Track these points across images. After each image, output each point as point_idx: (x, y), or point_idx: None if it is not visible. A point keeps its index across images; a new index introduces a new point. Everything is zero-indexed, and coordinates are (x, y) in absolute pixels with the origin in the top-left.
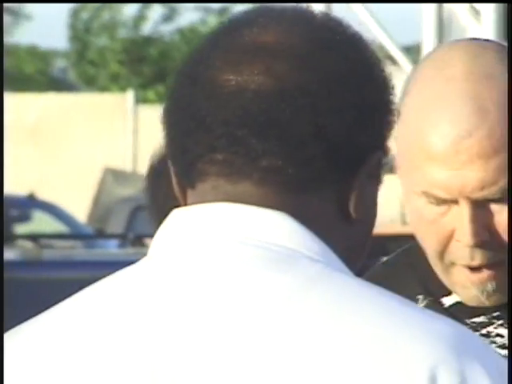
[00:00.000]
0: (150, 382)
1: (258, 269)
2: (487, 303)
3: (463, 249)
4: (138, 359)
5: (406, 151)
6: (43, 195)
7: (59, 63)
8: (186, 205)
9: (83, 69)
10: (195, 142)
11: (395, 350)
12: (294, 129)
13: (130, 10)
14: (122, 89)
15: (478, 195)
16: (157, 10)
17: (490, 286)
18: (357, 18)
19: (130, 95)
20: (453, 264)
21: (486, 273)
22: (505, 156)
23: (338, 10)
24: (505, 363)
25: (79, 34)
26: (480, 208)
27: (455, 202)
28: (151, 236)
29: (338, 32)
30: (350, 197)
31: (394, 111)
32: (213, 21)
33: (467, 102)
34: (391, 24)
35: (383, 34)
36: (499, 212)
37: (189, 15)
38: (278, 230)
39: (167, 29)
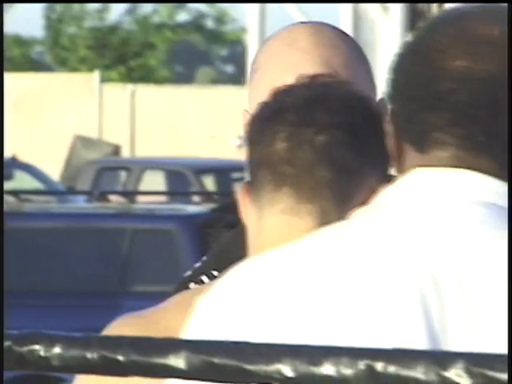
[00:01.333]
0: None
1: (496, 229)
2: None
3: None
4: (401, 277)
5: None
6: (24, 158)
7: (37, 48)
8: (400, 164)
9: (57, 53)
10: (437, 116)
11: None
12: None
13: (96, 4)
14: (90, 69)
15: None
16: (119, 4)
17: None
18: (289, 16)
19: (96, 75)
20: None
21: None
22: None
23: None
24: None
25: (53, 24)
26: None
27: None
28: (113, 193)
29: None
30: None
31: None
32: (163, 10)
33: (319, 66)
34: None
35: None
36: None
37: (146, 7)
38: (506, 199)
39: (126, 19)
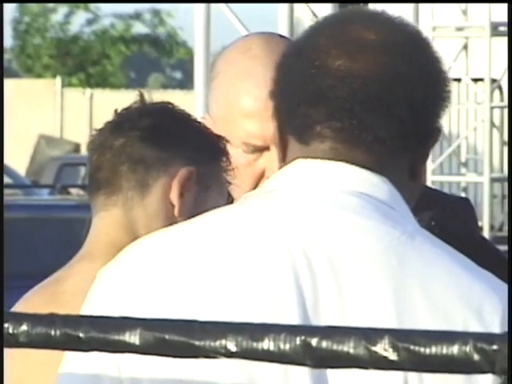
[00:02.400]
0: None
1: (368, 218)
2: None
3: None
4: (274, 258)
5: (223, 114)
6: None
7: (6, 56)
8: (283, 155)
9: (23, 61)
10: (317, 110)
11: (473, 295)
12: (395, 110)
13: (58, 17)
14: (52, 76)
15: None
16: (81, 16)
17: None
18: (222, 16)
19: (58, 81)
20: None
21: None
22: None
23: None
24: None
25: (20, 35)
26: None
27: (267, 148)
28: (74, 186)
29: (423, 37)
30: (419, 163)
31: (448, 100)
32: (120, 25)
33: (271, 71)
34: (252, 21)
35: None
36: None
37: (106, 20)
38: (383, 191)
39: (86, 31)
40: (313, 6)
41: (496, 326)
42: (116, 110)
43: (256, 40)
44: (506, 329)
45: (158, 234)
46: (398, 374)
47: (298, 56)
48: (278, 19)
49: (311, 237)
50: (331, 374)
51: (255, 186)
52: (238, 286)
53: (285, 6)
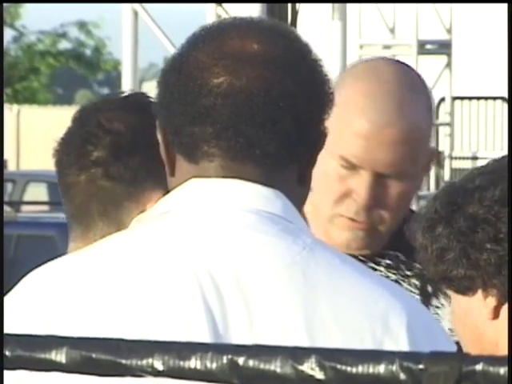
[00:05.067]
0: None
1: (268, 235)
2: (353, 245)
3: (354, 206)
4: (179, 280)
5: (336, 126)
6: None
7: None
8: (172, 174)
9: None
10: (203, 130)
11: (377, 304)
12: (280, 125)
13: None
14: None
15: (382, 170)
16: (7, 33)
17: (361, 234)
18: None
19: None
20: (340, 215)
21: (361, 224)
22: (410, 147)
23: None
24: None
25: None
26: (378, 179)
27: (362, 168)
28: None
29: (304, 44)
30: (307, 169)
31: (332, 102)
32: (47, 40)
33: (395, 102)
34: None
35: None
36: (390, 187)
37: (32, 36)
38: (277, 205)
39: (13, 47)
40: (238, 8)
41: (403, 336)
42: (76, 119)
43: (391, 66)
44: (413, 339)
45: (55, 263)
46: None
47: (179, 73)
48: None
49: (215, 258)
50: None
51: (338, 201)
52: (148, 310)
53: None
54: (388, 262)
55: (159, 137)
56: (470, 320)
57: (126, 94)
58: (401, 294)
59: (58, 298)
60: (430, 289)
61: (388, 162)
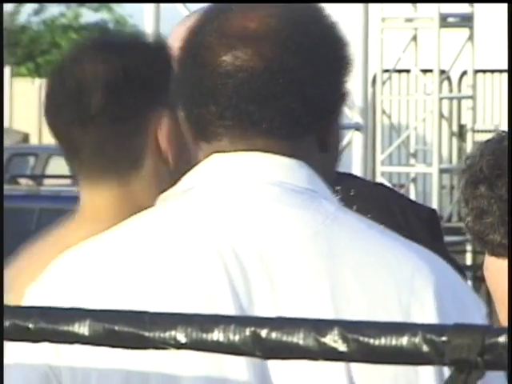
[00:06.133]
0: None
1: (291, 206)
2: None
3: None
4: (205, 254)
5: None
6: None
7: None
8: (196, 152)
9: None
10: (207, 111)
11: (403, 268)
12: (282, 100)
13: (7, 7)
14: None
15: None
16: (29, 6)
17: None
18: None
19: (7, 70)
20: None
21: None
22: None
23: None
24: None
25: None
26: None
27: None
28: (23, 177)
29: (307, 13)
30: (327, 136)
31: (350, 64)
32: (69, 13)
33: None
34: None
35: None
36: None
37: (53, 9)
38: (299, 174)
39: (35, 20)
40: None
41: (430, 300)
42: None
43: None
44: (440, 303)
45: (83, 247)
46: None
47: (187, 55)
48: None
49: (238, 233)
50: (275, 364)
51: None
52: (171, 289)
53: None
54: None
55: (181, 121)
56: (502, 280)
57: (85, 40)
58: (428, 257)
59: (88, 277)
60: None
61: None
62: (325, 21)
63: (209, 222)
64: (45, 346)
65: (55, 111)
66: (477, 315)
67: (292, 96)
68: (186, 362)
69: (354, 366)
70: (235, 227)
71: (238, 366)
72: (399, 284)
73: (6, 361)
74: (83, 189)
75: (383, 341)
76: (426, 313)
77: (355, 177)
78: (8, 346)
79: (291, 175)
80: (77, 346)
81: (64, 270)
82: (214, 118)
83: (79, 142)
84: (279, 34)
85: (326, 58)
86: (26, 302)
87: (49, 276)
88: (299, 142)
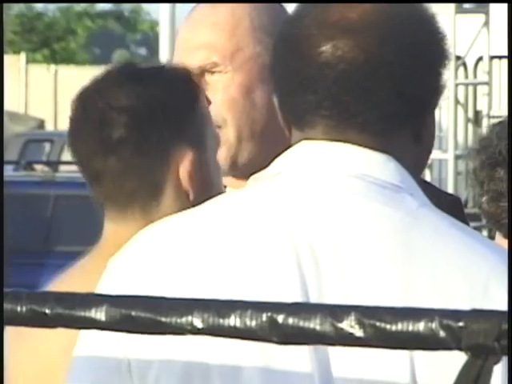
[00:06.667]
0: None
1: (372, 201)
2: None
3: None
4: (280, 241)
5: None
6: None
7: None
8: (290, 137)
9: None
10: (305, 101)
11: (480, 268)
12: (380, 93)
13: None
14: (17, 52)
15: None
16: None
17: None
18: None
19: (22, 57)
20: None
21: None
22: None
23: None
24: None
25: None
26: None
27: None
28: (38, 163)
29: (407, 9)
30: (422, 129)
31: (447, 57)
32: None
33: None
34: None
35: None
36: None
37: None
38: (385, 169)
39: (50, 7)
40: None
41: (503, 300)
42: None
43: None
44: None
45: (166, 222)
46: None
47: (284, 45)
48: None
49: (314, 224)
50: (337, 352)
51: None
52: (242, 273)
53: None
54: None
55: (275, 102)
56: None
57: (109, 70)
58: (506, 256)
59: (166, 258)
60: None
61: None
62: (425, 16)
63: (287, 210)
64: (106, 337)
65: (78, 139)
66: None
67: (390, 90)
68: (246, 352)
69: (418, 362)
70: (312, 218)
71: (298, 356)
72: (473, 285)
73: (77, 354)
74: (107, 218)
75: (400, 326)
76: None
77: (430, 184)
78: (80, 341)
79: (377, 169)
80: (137, 337)
81: (145, 245)
82: (312, 107)
83: (101, 172)
84: (380, 27)
85: (425, 53)
86: (109, 272)
87: (131, 249)
88: (393, 138)
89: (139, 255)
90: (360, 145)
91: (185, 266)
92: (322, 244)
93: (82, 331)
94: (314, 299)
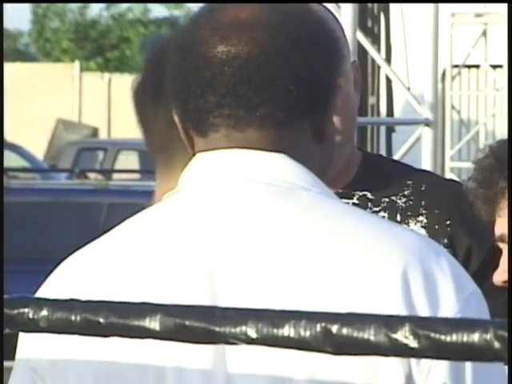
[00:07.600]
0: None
1: (266, 199)
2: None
3: None
4: (191, 256)
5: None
6: (12, 139)
7: (23, 40)
8: (193, 150)
9: (41, 44)
10: (205, 101)
11: (375, 257)
12: (279, 82)
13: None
14: (71, 60)
15: None
16: (98, 1)
17: None
18: None
19: (76, 65)
20: None
21: None
22: None
23: None
24: (452, 261)
25: (39, 19)
26: None
27: None
28: (92, 171)
29: (298, 8)
30: (323, 126)
31: (342, 57)
32: (137, 8)
33: None
34: None
35: None
36: None
37: (123, 5)
38: (279, 167)
39: (104, 15)
40: None
41: (396, 286)
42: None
43: None
44: (407, 287)
45: (86, 248)
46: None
47: (182, 51)
48: None
49: (209, 232)
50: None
51: None
52: (160, 287)
53: None
54: (356, 201)
55: (175, 118)
56: None
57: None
58: (408, 242)
59: (87, 273)
60: (398, 217)
61: None
62: (319, 15)
63: (187, 222)
64: (27, 341)
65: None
66: (450, 306)
67: (288, 78)
68: (165, 354)
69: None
70: (208, 226)
71: (202, 357)
72: (367, 269)
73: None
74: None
75: (454, 337)
76: (391, 295)
77: (431, 174)
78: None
79: (270, 169)
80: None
81: (67, 267)
82: (213, 107)
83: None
84: (273, 21)
85: (320, 44)
86: (48, 278)
87: (55, 273)
88: (293, 130)
89: (61, 280)
90: (259, 144)
91: (109, 273)
92: (217, 252)
93: (21, 334)
94: (208, 300)
